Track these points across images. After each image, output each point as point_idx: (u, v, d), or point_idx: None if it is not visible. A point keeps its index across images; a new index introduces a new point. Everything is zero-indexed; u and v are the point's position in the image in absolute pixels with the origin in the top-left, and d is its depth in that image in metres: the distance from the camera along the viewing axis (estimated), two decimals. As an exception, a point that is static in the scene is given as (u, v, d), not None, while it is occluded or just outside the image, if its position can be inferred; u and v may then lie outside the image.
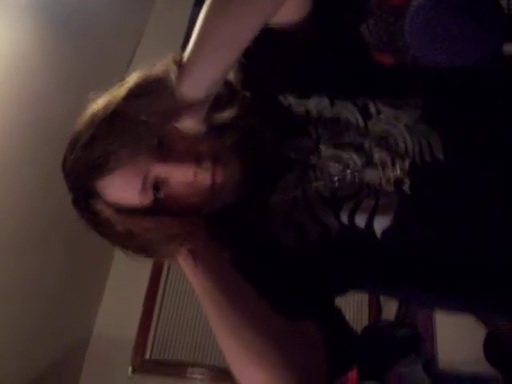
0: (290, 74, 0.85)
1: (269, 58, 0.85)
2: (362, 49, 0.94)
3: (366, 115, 0.81)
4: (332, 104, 0.82)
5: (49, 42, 2.10)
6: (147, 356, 2.91)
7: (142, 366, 2.87)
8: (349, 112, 0.81)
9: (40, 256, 2.21)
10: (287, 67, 0.85)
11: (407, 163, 0.76)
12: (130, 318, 2.92)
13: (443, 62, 1.97)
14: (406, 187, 0.75)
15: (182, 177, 0.74)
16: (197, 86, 0.73)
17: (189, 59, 0.73)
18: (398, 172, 0.76)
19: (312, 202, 0.79)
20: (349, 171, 0.78)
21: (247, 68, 0.86)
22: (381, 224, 0.75)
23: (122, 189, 0.74)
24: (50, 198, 1.84)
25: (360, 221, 0.76)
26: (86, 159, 0.72)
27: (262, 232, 0.83)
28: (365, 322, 2.81)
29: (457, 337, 2.45)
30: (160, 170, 0.73)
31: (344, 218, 0.76)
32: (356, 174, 0.78)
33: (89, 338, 2.87)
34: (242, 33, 0.73)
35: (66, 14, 2.09)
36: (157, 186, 0.74)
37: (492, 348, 2.30)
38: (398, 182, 0.76)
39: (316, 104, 0.83)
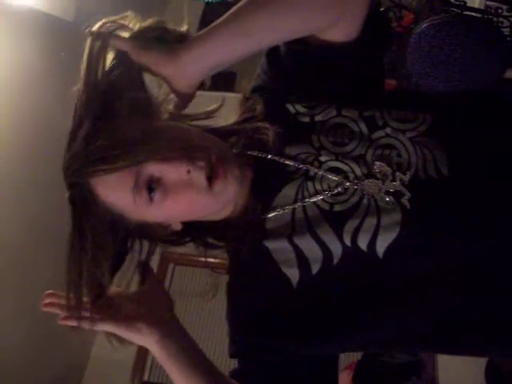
0: (305, 87, 0.86)
1: (289, 68, 0.86)
2: (380, 78, 0.96)
3: (372, 126, 0.81)
4: (339, 113, 0.83)
5: (51, 51, 2.13)
6: (146, 378, 2.88)
7: (140, 388, 2.85)
8: (354, 122, 0.81)
9: (43, 276, 2.20)
10: (304, 80, 0.86)
11: (408, 176, 0.76)
12: (129, 339, 2.89)
13: (445, 88, 1.99)
14: (405, 200, 0.75)
15: (174, 174, 0.73)
16: (200, 60, 0.74)
17: (206, 32, 0.75)
18: (398, 184, 0.76)
19: (313, 221, 0.78)
20: (348, 184, 0.77)
21: (267, 74, 0.88)
22: (383, 243, 0.74)
23: (114, 187, 0.73)
24: (59, 216, 1.84)
25: (363, 241, 0.75)
26: (84, 156, 0.71)
27: (258, 255, 0.82)
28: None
29: (458, 363, 2.43)
30: (152, 168, 0.72)
31: (347, 240, 0.76)
32: (355, 186, 0.77)
33: (87, 359, 2.85)
34: (270, 32, 0.75)
35: (70, 22, 2.12)
36: (151, 186, 0.73)
37: (493, 375, 2.28)
38: (397, 195, 0.76)
39: (322, 113, 0.83)
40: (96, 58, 0.74)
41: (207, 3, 3.40)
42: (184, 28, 0.78)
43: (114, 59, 0.75)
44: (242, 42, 0.75)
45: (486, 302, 0.76)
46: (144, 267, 0.83)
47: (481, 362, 2.32)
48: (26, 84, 2.02)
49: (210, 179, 0.73)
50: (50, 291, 0.79)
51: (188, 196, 0.74)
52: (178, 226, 0.82)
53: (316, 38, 0.81)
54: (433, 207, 0.75)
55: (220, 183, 0.74)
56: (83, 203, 0.74)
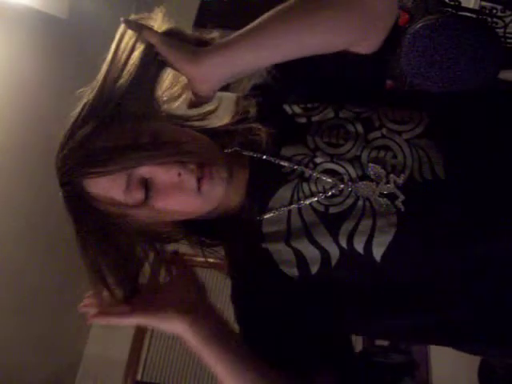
0: (307, 90, 0.86)
1: (298, 72, 0.86)
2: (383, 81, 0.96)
3: (368, 127, 0.80)
4: (336, 115, 0.83)
5: (44, 48, 2.10)
6: (138, 377, 2.87)
7: (134, 387, 2.83)
8: (351, 123, 0.81)
9: (36, 274, 2.20)
10: (309, 84, 0.87)
11: (402, 178, 0.76)
12: (122, 338, 2.88)
13: (439, 88, 2.00)
14: (399, 202, 0.75)
15: (165, 177, 0.74)
16: (223, 66, 0.75)
17: (232, 40, 0.76)
18: (392, 187, 0.76)
19: (309, 223, 0.78)
20: (342, 185, 0.77)
21: (271, 74, 0.89)
22: (380, 245, 0.74)
23: (106, 188, 0.74)
24: (49, 217, 1.84)
25: (359, 243, 0.75)
26: (78, 156, 0.73)
27: (257, 256, 0.82)
28: (359, 346, 2.79)
29: (451, 363, 2.44)
30: (144, 170, 0.73)
31: (343, 242, 0.76)
32: (350, 188, 0.77)
33: (80, 359, 2.83)
34: (296, 48, 0.77)
35: (63, 20, 2.11)
36: (142, 187, 0.74)
37: (487, 375, 2.29)
38: (392, 197, 0.75)
39: (320, 114, 0.83)
40: (125, 47, 0.75)
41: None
42: (211, 36, 0.80)
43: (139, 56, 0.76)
44: (266, 54, 0.77)
45: (489, 306, 0.76)
46: (172, 255, 0.85)
47: (474, 363, 2.32)
48: (19, 81, 2.00)
49: (199, 181, 0.74)
50: (92, 292, 0.79)
51: (178, 198, 0.75)
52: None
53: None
54: (428, 210, 0.75)
55: (206, 184, 0.75)
56: (77, 202, 0.75)
